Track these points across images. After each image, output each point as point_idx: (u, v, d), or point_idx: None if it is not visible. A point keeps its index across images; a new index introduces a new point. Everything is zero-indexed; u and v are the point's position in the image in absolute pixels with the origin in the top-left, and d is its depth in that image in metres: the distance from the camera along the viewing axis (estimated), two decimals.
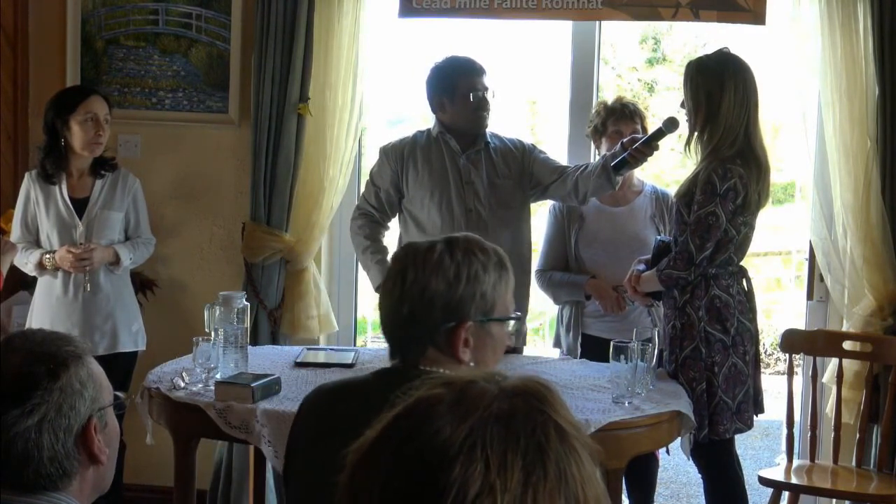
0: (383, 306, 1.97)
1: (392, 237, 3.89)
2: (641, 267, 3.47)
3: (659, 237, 3.53)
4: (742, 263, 3.43)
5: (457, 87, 3.67)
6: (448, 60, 3.74)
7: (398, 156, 3.75)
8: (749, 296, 3.40)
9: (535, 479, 0.84)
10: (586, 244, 3.83)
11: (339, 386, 2.10)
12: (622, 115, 3.78)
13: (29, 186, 3.88)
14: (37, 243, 3.87)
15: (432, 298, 1.90)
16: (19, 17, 4.36)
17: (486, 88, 3.68)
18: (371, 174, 3.83)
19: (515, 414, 0.88)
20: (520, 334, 3.73)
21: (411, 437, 0.87)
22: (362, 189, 4.02)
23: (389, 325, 1.97)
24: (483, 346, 1.94)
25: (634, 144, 3.50)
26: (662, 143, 3.52)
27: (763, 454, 5.78)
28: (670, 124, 3.44)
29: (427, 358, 1.93)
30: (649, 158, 3.53)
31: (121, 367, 3.80)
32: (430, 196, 3.69)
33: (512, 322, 2.00)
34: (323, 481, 1.87)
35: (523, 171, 3.75)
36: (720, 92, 3.27)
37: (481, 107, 3.68)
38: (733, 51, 3.39)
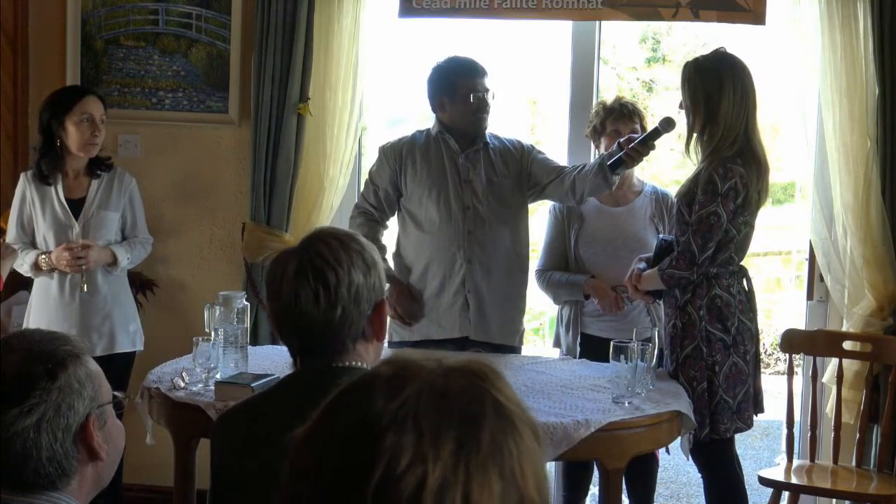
0: (304, 317, 1.86)
1: (391, 237, 3.89)
2: (642, 265, 3.47)
3: (661, 236, 3.53)
4: (742, 263, 3.43)
5: (457, 87, 3.67)
6: (450, 60, 3.74)
7: (397, 154, 3.76)
8: (749, 295, 3.41)
9: (467, 450, 0.83)
10: (586, 244, 3.83)
11: (251, 403, 2.05)
12: (621, 115, 3.78)
13: (25, 187, 3.86)
14: (32, 244, 3.86)
15: (358, 291, 1.89)
16: (19, 17, 4.36)
17: (486, 90, 3.67)
18: (370, 173, 3.83)
19: (451, 387, 0.87)
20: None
21: (348, 411, 0.87)
22: (362, 189, 4.02)
23: (315, 332, 1.88)
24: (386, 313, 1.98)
25: (631, 144, 3.50)
26: (661, 142, 3.52)
27: (763, 454, 5.78)
28: (667, 124, 3.43)
29: (353, 353, 1.90)
30: (646, 158, 3.53)
31: (118, 368, 3.78)
32: (427, 193, 3.70)
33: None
34: (254, 496, 1.83)
35: (521, 170, 3.75)
36: (719, 92, 3.27)
37: (481, 108, 3.68)
38: (731, 51, 3.38)
